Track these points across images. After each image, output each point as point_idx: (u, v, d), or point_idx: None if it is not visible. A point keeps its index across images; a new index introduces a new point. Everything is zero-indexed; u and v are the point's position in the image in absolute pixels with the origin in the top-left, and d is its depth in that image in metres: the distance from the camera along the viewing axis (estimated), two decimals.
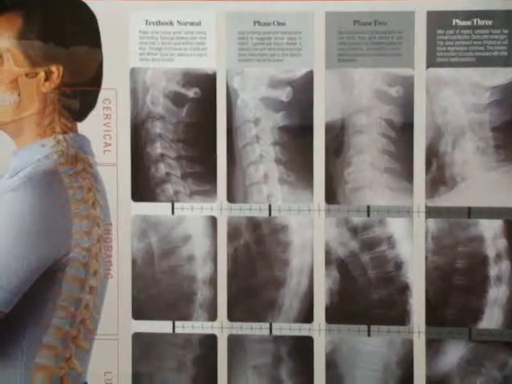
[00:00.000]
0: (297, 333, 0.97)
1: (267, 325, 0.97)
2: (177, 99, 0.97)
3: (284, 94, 0.96)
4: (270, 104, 0.96)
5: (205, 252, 0.98)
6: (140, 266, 0.98)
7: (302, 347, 0.97)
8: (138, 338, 0.99)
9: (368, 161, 0.95)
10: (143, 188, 0.98)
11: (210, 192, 0.97)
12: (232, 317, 0.98)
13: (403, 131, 0.95)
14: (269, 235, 0.97)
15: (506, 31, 0.93)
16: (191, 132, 0.97)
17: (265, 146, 0.96)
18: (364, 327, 0.96)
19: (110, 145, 0.98)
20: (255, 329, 0.97)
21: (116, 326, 0.99)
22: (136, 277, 0.98)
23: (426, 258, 0.95)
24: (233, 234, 0.97)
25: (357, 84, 0.95)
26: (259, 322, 0.97)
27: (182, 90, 0.97)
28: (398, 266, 0.95)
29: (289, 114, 0.96)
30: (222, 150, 0.97)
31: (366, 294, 0.96)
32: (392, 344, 0.96)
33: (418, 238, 0.95)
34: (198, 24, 0.97)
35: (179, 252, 0.98)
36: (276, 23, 0.96)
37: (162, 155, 0.98)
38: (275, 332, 0.97)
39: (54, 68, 0.97)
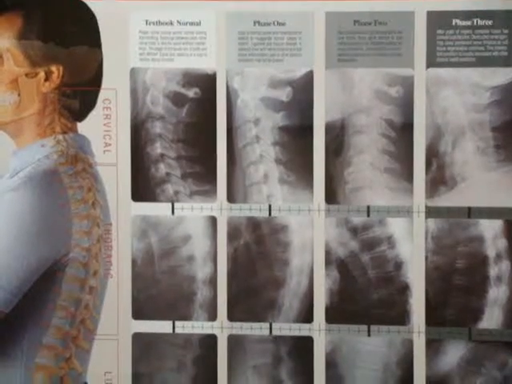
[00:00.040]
0: (297, 333, 0.97)
1: (267, 325, 0.97)
2: (177, 99, 0.97)
3: (284, 94, 0.96)
4: (270, 104, 0.96)
5: (205, 252, 0.98)
6: (140, 266, 0.98)
7: (302, 347, 0.97)
8: (137, 338, 0.99)
9: (368, 161, 0.95)
10: (143, 188, 0.98)
11: (209, 192, 0.97)
12: (232, 317, 0.98)
13: (403, 131, 0.95)
14: (269, 235, 0.97)
15: (506, 31, 0.93)
16: (191, 132, 0.97)
17: (265, 146, 0.96)
18: (364, 327, 0.96)
19: (109, 145, 0.98)
20: (255, 329, 0.97)
21: (116, 326, 0.99)
22: (136, 277, 0.98)
23: (426, 257, 0.95)
24: (233, 234, 0.97)
25: (357, 84, 0.95)
26: (259, 322, 0.97)
27: (182, 90, 0.97)
28: (398, 265, 0.95)
29: (289, 114, 0.96)
30: (222, 150, 0.97)
31: (365, 293, 0.96)
32: (392, 344, 0.96)
33: (417, 237, 0.95)
34: (198, 24, 0.97)
35: (179, 252, 0.98)
36: (276, 23, 0.96)
37: (162, 155, 0.98)
38: (275, 332, 0.97)
39: (53, 68, 0.97)
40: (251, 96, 0.96)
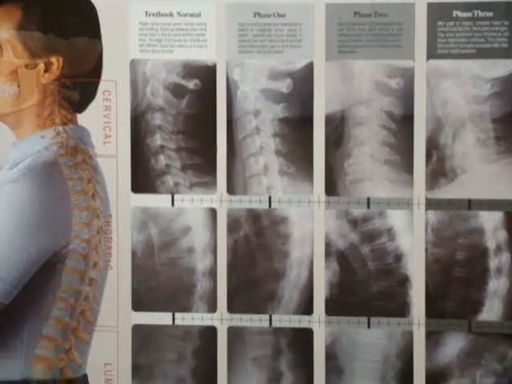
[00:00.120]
0: (297, 325, 0.97)
1: (267, 317, 0.97)
2: (177, 91, 0.97)
3: (284, 86, 0.96)
4: (270, 96, 0.96)
5: (205, 244, 0.98)
6: (140, 258, 0.98)
7: (302, 339, 0.97)
8: (137, 329, 0.99)
9: (368, 153, 0.95)
10: (143, 180, 0.98)
11: (209, 184, 0.97)
12: (232, 309, 0.98)
13: (403, 123, 0.94)
14: (269, 227, 0.97)
15: (506, 23, 0.92)
16: (191, 124, 0.97)
17: (265, 137, 0.96)
18: (364, 319, 0.96)
19: (109, 136, 0.98)
20: (255, 320, 0.97)
21: (116, 318, 0.99)
22: (136, 268, 0.98)
23: (426, 249, 0.95)
24: (233, 225, 0.97)
25: (357, 76, 0.95)
26: (259, 313, 0.97)
27: (182, 82, 0.97)
28: (398, 257, 0.95)
29: (289, 106, 0.96)
30: (222, 141, 0.97)
31: (365, 285, 0.96)
32: (392, 336, 0.96)
33: (418, 229, 0.95)
34: (198, 15, 0.96)
35: (179, 244, 0.98)
36: (276, 15, 0.95)
37: (162, 147, 0.98)
38: (275, 324, 0.97)
39: (53, 59, 0.96)
40: (251, 87, 0.96)
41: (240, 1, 0.96)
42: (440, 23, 0.93)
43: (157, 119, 0.97)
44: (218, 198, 0.97)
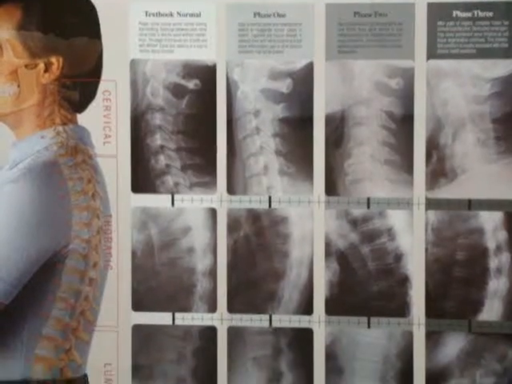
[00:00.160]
0: (297, 325, 0.97)
1: (267, 317, 0.97)
2: (177, 91, 0.97)
3: (284, 86, 0.96)
4: (270, 96, 0.96)
5: (205, 244, 0.98)
6: (140, 258, 0.98)
7: (302, 339, 0.97)
8: (137, 329, 0.99)
9: (368, 153, 0.95)
10: (143, 180, 0.98)
11: (209, 184, 0.97)
12: (232, 309, 0.98)
13: (403, 123, 0.94)
14: (269, 227, 0.97)
15: (506, 23, 0.92)
16: (191, 124, 0.97)
17: (265, 137, 0.96)
18: (364, 319, 0.96)
19: (109, 136, 0.98)
20: (255, 320, 0.97)
21: (116, 318, 0.99)
22: (136, 269, 0.98)
23: (426, 249, 0.95)
24: (233, 225, 0.97)
25: (357, 76, 0.95)
26: (259, 313, 0.97)
27: (182, 82, 0.97)
28: (398, 257, 0.95)
29: (289, 106, 0.96)
30: (222, 141, 0.97)
31: (365, 285, 0.96)
32: (392, 336, 0.96)
33: (418, 229, 0.95)
34: (198, 15, 0.96)
35: (179, 244, 0.98)
36: (276, 15, 0.95)
37: (162, 147, 0.98)
38: (275, 324, 0.97)
39: (53, 59, 0.96)
40: (251, 87, 0.96)
41: (240, 1, 0.96)
42: (440, 23, 0.93)
43: (157, 119, 0.98)
44: (218, 198, 0.97)
